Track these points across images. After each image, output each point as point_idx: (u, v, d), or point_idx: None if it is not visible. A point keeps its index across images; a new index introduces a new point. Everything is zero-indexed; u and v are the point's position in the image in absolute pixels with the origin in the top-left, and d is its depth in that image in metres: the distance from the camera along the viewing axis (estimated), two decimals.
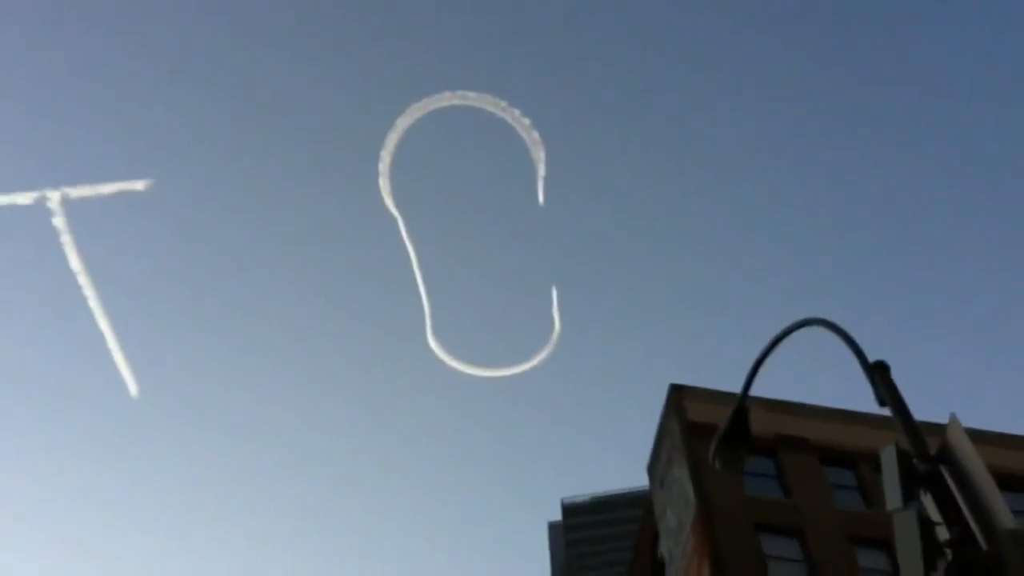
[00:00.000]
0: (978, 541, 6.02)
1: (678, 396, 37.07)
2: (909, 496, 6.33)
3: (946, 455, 6.63)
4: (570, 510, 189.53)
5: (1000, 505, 5.99)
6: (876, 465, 34.96)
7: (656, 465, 38.97)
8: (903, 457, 6.56)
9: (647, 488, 41.96)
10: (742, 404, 9.88)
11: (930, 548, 5.94)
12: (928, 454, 6.68)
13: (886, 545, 31.99)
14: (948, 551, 6.04)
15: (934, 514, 6.28)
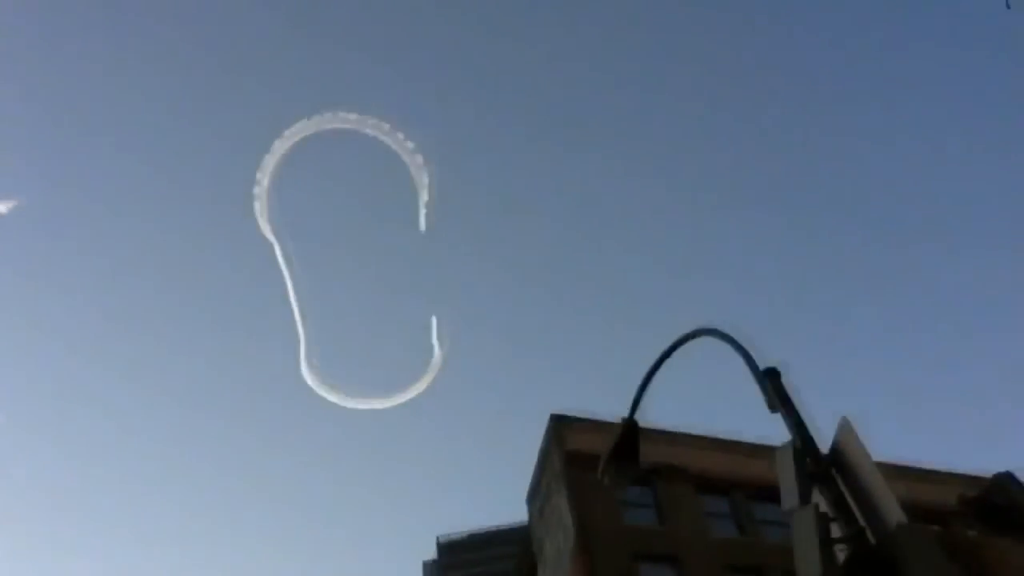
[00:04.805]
0: (868, 537, 6.13)
1: (559, 425, 37.22)
2: (805, 494, 6.40)
3: (837, 456, 6.75)
4: (446, 547, 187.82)
5: (889, 501, 6.11)
6: (749, 494, 35.97)
7: (536, 495, 38.97)
8: (799, 456, 6.65)
9: (525, 523, 41.90)
10: (632, 417, 9.88)
11: (825, 544, 6.02)
12: (820, 455, 6.79)
13: (759, 572, 32.71)
14: (843, 547, 6.13)
15: (828, 511, 6.37)
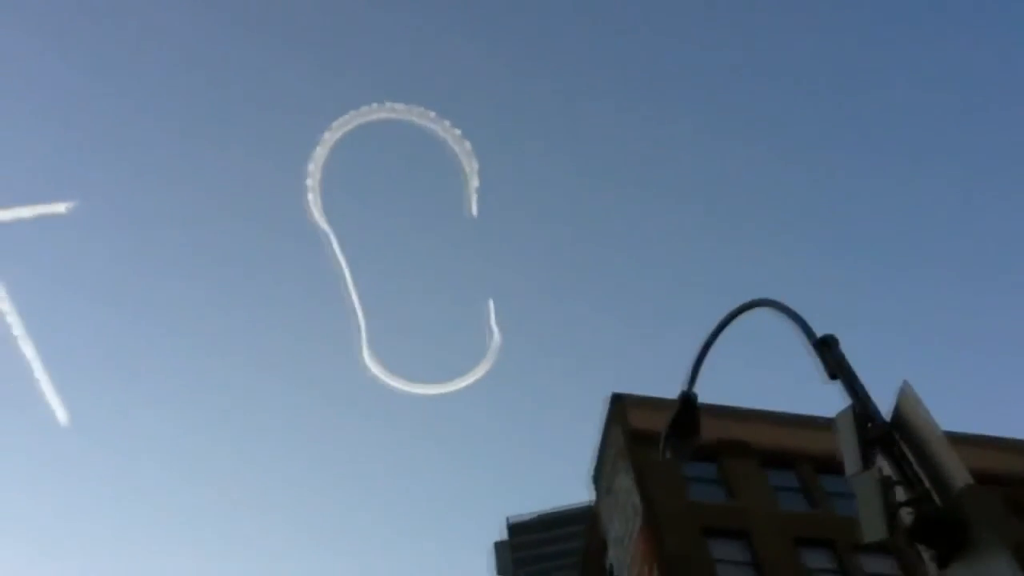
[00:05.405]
0: (934, 499, 6.07)
1: (620, 405, 37.19)
2: (867, 459, 6.35)
3: (899, 420, 6.68)
4: (516, 528, 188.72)
5: (954, 463, 6.04)
6: (816, 467, 35.59)
7: (601, 475, 39.02)
8: (860, 420, 6.59)
9: (592, 503, 41.97)
10: (690, 390, 9.86)
11: (890, 508, 5.98)
12: (881, 419, 6.73)
13: (830, 544, 32.43)
14: (908, 510, 6.08)
15: (892, 475, 6.32)
